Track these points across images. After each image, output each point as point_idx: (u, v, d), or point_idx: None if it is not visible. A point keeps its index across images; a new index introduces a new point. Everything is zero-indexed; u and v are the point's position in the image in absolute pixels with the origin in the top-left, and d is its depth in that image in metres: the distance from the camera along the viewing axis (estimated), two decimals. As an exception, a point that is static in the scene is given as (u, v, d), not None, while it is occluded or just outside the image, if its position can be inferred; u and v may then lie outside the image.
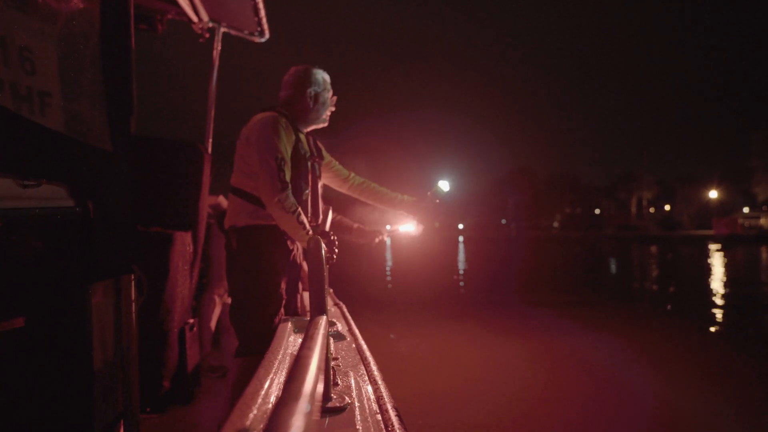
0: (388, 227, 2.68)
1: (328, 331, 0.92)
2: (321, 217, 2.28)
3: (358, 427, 0.87)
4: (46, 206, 1.14)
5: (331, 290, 3.22)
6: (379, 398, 1.04)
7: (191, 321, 2.74)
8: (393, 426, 0.90)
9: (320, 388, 0.48)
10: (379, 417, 0.96)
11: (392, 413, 0.95)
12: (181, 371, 2.60)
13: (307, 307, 2.57)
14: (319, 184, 2.36)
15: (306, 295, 2.61)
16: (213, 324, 3.42)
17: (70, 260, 1.22)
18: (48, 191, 1.13)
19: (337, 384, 1.04)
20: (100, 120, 1.22)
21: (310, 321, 0.84)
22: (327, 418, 0.89)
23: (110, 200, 1.28)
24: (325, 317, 0.90)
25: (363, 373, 1.25)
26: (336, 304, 2.57)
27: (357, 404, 0.97)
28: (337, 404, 0.93)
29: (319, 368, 0.52)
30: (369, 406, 1.00)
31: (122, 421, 1.50)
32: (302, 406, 0.38)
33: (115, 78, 1.28)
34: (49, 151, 0.99)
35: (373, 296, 10.31)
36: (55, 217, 1.18)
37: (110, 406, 1.46)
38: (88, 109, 1.24)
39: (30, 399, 1.21)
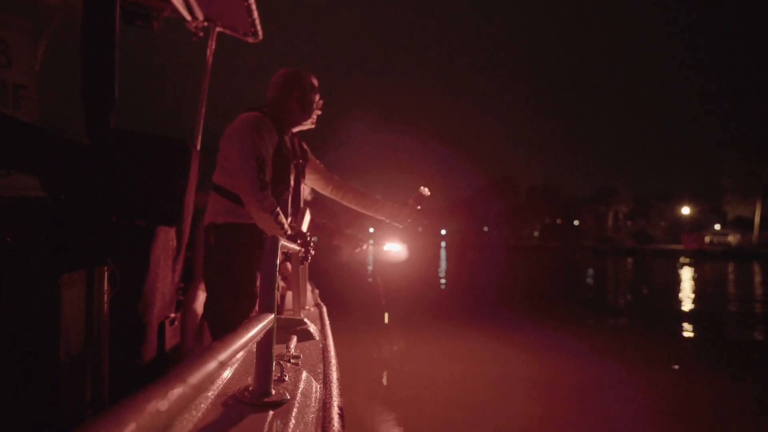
0: (372, 230, 2.66)
1: (274, 328, 0.89)
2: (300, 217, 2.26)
3: (291, 422, 0.84)
4: (16, 196, 1.10)
5: (317, 291, 3.19)
6: (326, 397, 1.01)
7: (172, 315, 2.70)
8: (332, 425, 0.87)
9: (219, 376, 0.47)
10: (319, 415, 0.93)
11: (335, 412, 0.92)
12: (160, 365, 2.56)
13: (287, 306, 2.54)
14: (302, 186, 2.33)
15: (289, 294, 2.58)
16: (196, 319, 3.37)
17: (41, 250, 1.18)
18: (20, 181, 1.10)
19: (283, 380, 1.01)
20: (78, 114, 1.19)
21: (255, 317, 0.81)
22: (263, 413, 0.86)
23: (85, 193, 1.24)
24: (271, 315, 0.87)
25: (320, 373, 1.22)
26: (317, 305, 2.53)
27: (298, 401, 0.93)
28: (275, 399, 0.89)
29: (224, 359, 0.50)
30: (311, 404, 0.97)
31: (90, 412, 1.46)
32: (174, 389, 0.37)
33: (96, 73, 1.25)
34: (19, 142, 0.96)
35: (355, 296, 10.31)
36: (26, 206, 1.14)
37: (78, 397, 1.43)
38: (65, 102, 1.21)
39: None
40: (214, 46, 3.50)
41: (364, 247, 2.60)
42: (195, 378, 0.42)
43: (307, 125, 2.30)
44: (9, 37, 1.02)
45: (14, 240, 1.13)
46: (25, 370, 1.23)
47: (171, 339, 2.66)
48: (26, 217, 1.15)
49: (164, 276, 2.56)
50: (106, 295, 1.42)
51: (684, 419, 3.86)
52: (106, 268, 1.41)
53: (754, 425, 3.85)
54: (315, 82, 2.28)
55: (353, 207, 2.53)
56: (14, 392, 1.22)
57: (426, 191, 2.43)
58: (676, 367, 5.46)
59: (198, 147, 3.30)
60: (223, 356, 0.50)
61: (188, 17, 3.23)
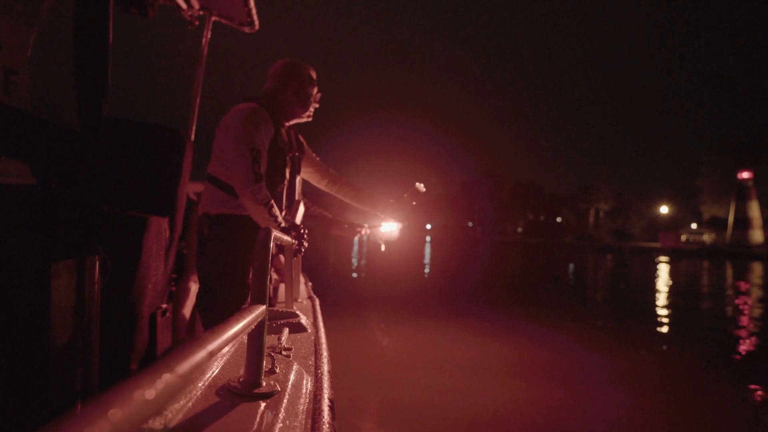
0: (366, 222, 2.61)
1: (265, 319, 0.87)
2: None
3: (281, 413, 0.82)
4: (6, 183, 1.05)
5: (310, 284, 3.15)
6: (317, 389, 0.99)
7: (164, 306, 2.65)
8: (321, 416, 0.85)
9: (209, 366, 0.46)
10: (309, 406, 0.91)
11: (325, 404, 0.90)
12: (151, 355, 2.51)
13: (280, 298, 2.50)
14: (297, 179, 2.29)
15: (282, 287, 2.54)
16: (188, 310, 3.31)
17: (31, 239, 1.14)
18: (10, 168, 1.05)
19: (274, 372, 0.99)
20: (70, 101, 1.14)
21: (246, 308, 0.79)
22: (253, 404, 0.84)
23: (76, 181, 1.19)
24: (263, 307, 0.85)
25: (311, 365, 1.20)
26: (310, 297, 2.50)
27: (288, 392, 0.91)
28: (265, 390, 0.87)
29: (213, 349, 0.49)
30: (301, 396, 0.95)
31: (80, 401, 1.42)
32: (163, 378, 0.37)
33: (89, 60, 1.19)
34: (10, 128, 0.91)
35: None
36: (16, 194, 1.09)
37: (68, 386, 1.39)
38: (57, 89, 1.15)
39: None
40: (209, 36, 3.42)
41: (363, 232, 2.56)
42: (183, 367, 0.41)
43: (304, 118, 2.25)
44: (1, 21, 0.97)
45: (4, 228, 1.08)
46: (14, 360, 1.19)
47: (162, 329, 2.61)
48: (16, 204, 1.10)
49: (156, 266, 2.50)
50: (96, 285, 1.38)
51: (657, 402, 3.96)
52: (97, 257, 1.37)
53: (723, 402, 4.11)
54: (313, 74, 2.22)
55: (348, 201, 2.49)
56: (3, 382, 1.17)
57: (421, 187, 2.41)
58: (648, 352, 5.77)
59: (192, 137, 3.23)
60: (212, 346, 0.50)
61: (184, 5, 3.15)
